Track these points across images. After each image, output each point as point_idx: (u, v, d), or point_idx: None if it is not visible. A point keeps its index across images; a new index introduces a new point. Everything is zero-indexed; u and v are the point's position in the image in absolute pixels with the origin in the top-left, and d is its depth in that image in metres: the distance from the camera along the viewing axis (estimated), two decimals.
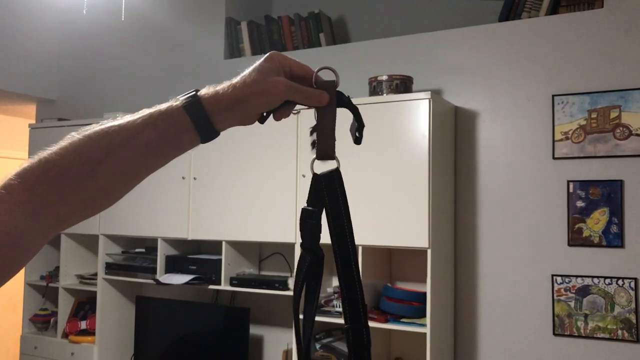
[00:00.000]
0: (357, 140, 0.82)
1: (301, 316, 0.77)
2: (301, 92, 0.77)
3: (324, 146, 0.77)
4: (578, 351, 2.74)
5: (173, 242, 3.53)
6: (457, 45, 3.11)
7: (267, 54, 0.77)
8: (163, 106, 0.75)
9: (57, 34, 4.54)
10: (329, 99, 0.77)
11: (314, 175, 0.77)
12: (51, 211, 0.70)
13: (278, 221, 3.05)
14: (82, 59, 4.46)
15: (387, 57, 3.28)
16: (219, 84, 0.77)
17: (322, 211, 0.76)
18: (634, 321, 2.63)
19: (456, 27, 3.16)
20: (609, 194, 2.72)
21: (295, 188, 3.00)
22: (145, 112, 0.74)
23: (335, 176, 0.77)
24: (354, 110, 0.81)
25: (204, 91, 0.76)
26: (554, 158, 2.84)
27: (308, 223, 0.76)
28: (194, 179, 3.34)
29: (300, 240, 0.78)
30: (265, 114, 0.79)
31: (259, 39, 3.73)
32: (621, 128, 2.71)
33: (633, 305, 2.64)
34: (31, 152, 4.04)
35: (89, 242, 3.84)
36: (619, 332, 2.66)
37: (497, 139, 2.99)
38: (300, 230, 0.77)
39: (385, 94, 2.90)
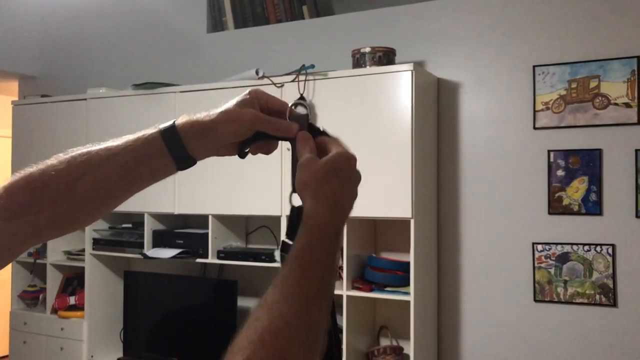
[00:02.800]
0: (241, 155, 0.84)
1: None
2: (270, 123, 0.80)
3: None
4: (558, 316, 2.82)
5: (160, 217, 3.55)
6: (440, 17, 3.12)
7: (248, 90, 0.81)
8: (143, 132, 0.78)
9: (38, 9, 4.47)
10: (299, 130, 0.80)
11: (292, 207, 0.78)
12: (27, 220, 0.75)
13: (264, 194, 3.08)
14: (64, 35, 4.41)
15: (370, 29, 3.28)
16: (201, 113, 0.80)
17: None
18: (611, 286, 2.71)
19: None
20: (588, 163, 2.77)
21: (280, 161, 3.01)
22: (127, 137, 0.78)
23: None
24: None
25: (182, 118, 0.79)
26: (534, 128, 2.88)
27: (284, 256, 0.76)
28: None
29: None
30: (247, 149, 0.82)
31: (242, 12, 3.71)
32: (600, 98, 2.75)
33: (610, 271, 2.71)
34: (15, 129, 4.02)
35: None
36: (597, 297, 2.74)
37: (479, 110, 3.03)
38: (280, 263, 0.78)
39: (368, 66, 2.91)
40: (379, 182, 2.79)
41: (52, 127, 3.80)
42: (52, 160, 0.77)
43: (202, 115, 0.79)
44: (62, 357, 3.72)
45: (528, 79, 2.90)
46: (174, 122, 0.78)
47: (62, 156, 0.77)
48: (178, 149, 0.77)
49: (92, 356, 3.66)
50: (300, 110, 0.82)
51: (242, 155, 0.82)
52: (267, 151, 0.84)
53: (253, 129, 0.79)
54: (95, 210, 0.80)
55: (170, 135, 0.77)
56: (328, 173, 0.75)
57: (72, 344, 3.71)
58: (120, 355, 3.70)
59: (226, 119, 0.77)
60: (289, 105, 0.82)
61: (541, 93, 2.87)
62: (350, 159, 0.77)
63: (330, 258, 0.72)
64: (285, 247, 0.76)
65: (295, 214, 0.77)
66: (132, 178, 0.79)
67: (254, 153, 0.84)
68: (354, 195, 0.78)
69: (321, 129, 0.82)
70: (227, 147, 0.81)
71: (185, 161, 0.79)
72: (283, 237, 0.79)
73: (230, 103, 0.79)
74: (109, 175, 0.77)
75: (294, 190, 0.78)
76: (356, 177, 0.78)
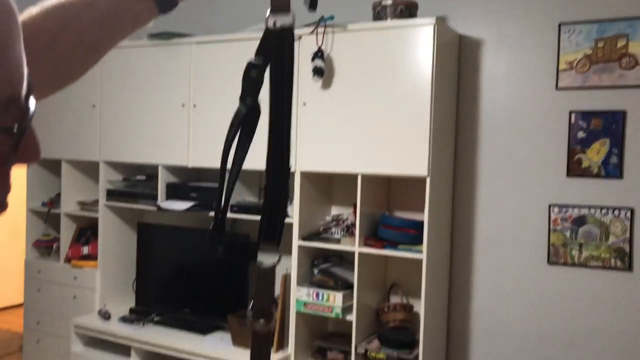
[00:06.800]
0: (312, 5, 0.72)
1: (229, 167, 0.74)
2: None
3: None
4: (571, 279, 2.80)
5: (173, 170, 3.54)
6: None
7: None
8: None
9: None
10: None
11: (265, 30, 0.69)
12: None
13: None
14: None
15: None
16: None
17: (266, 67, 0.71)
18: (627, 250, 2.68)
19: None
20: (611, 125, 2.71)
21: (296, 115, 2.98)
22: None
23: (285, 36, 0.68)
24: None
25: None
26: (557, 88, 2.81)
27: (249, 76, 0.72)
28: (194, 106, 3.32)
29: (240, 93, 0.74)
30: None
31: None
32: (628, 58, 2.67)
33: (627, 235, 2.68)
34: None
35: (90, 169, 3.85)
36: (612, 260, 2.71)
37: (501, 69, 2.95)
38: (242, 82, 0.73)
39: (389, 20, 2.83)
40: (395, 139, 2.75)
41: None
42: (25, 17, 0.70)
43: None
44: (75, 305, 3.77)
45: (553, 37, 2.82)
46: None
47: (34, 10, 0.72)
48: None
49: (104, 305, 3.70)
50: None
51: None
52: None
53: None
54: (79, 64, 0.77)
55: None
56: None
57: (85, 293, 3.76)
58: (133, 305, 3.74)
59: None
60: None
61: (566, 52, 2.79)
62: None
63: None
64: (248, 67, 0.71)
65: (265, 37, 0.69)
66: (114, 25, 0.76)
67: None
68: None
69: None
70: None
71: (167, 3, 0.75)
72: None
73: None
74: (90, 26, 0.74)
75: (271, 10, 0.68)
76: None
